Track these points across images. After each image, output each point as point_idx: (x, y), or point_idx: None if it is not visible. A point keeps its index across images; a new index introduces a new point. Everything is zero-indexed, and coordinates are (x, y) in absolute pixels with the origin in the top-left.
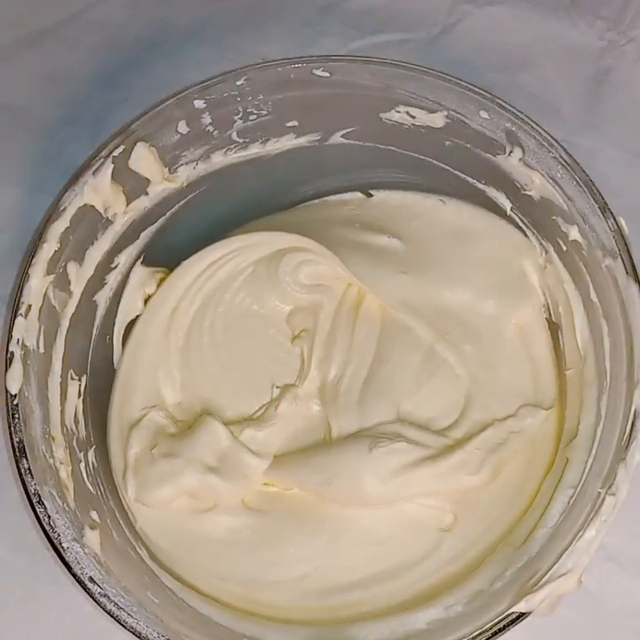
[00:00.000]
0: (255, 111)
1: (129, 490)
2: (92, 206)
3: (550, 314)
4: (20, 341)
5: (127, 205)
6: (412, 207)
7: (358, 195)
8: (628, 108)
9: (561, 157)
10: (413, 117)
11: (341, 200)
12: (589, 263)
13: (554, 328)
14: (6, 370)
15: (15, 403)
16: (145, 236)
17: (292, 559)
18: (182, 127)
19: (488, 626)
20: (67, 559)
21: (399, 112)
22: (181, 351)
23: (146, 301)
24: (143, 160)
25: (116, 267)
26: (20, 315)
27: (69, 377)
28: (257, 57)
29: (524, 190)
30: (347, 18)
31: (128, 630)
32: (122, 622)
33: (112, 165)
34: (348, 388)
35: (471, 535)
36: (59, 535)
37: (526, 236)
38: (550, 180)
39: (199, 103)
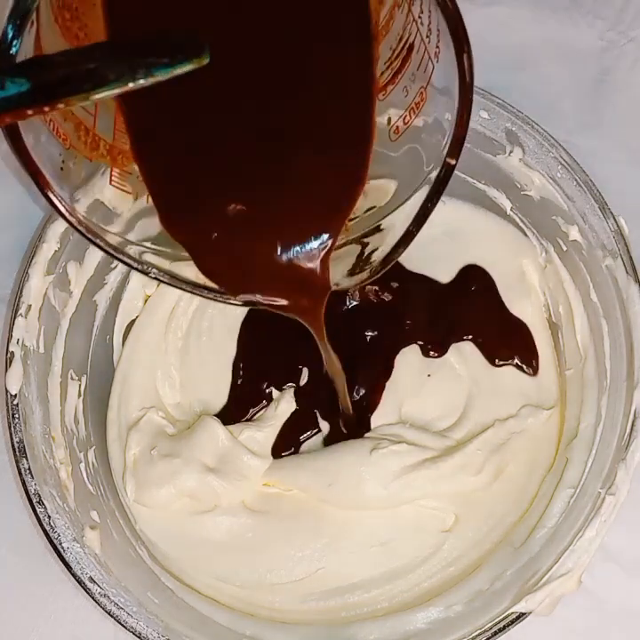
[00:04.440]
0: None
1: (128, 491)
2: None
3: (550, 314)
4: (20, 341)
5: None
6: None
7: None
8: (628, 108)
9: (561, 157)
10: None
11: None
12: (589, 263)
13: (554, 328)
14: (6, 370)
15: (15, 403)
16: None
17: (292, 561)
18: None
19: (488, 626)
20: (67, 559)
21: None
22: (180, 351)
23: (146, 302)
24: None
25: (116, 267)
26: (20, 315)
27: (69, 377)
28: None
29: (524, 190)
30: None
31: (128, 630)
32: (122, 622)
33: None
34: None
35: (473, 536)
36: (59, 535)
37: (526, 235)
38: (550, 180)
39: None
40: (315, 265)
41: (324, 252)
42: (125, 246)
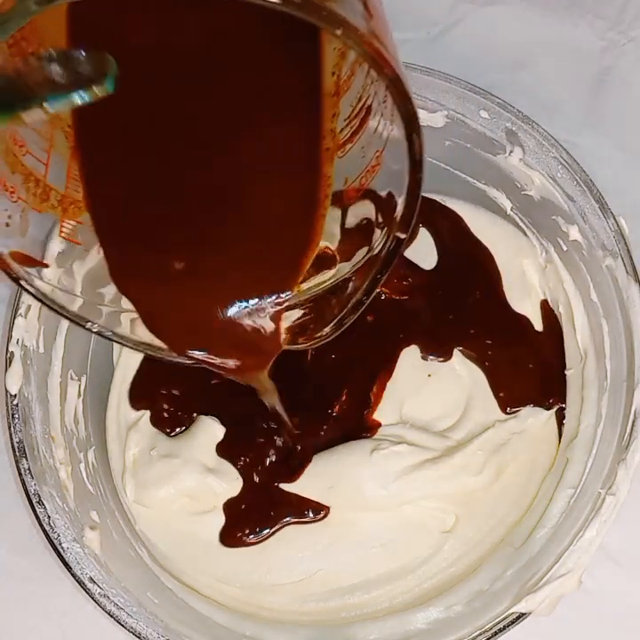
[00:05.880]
0: None
1: (128, 491)
2: None
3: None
4: (20, 341)
5: None
6: None
7: None
8: (628, 107)
9: (561, 157)
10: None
11: None
12: (589, 263)
13: None
14: (6, 370)
15: (15, 403)
16: None
17: (292, 562)
18: None
19: (488, 626)
20: (67, 559)
21: None
22: None
23: None
24: None
25: None
26: (20, 315)
27: (69, 377)
28: None
29: (524, 190)
30: None
31: (128, 630)
32: (122, 622)
33: None
34: None
35: (474, 537)
36: (58, 535)
37: (526, 235)
38: (550, 180)
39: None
40: (266, 326)
41: (276, 313)
42: (65, 297)
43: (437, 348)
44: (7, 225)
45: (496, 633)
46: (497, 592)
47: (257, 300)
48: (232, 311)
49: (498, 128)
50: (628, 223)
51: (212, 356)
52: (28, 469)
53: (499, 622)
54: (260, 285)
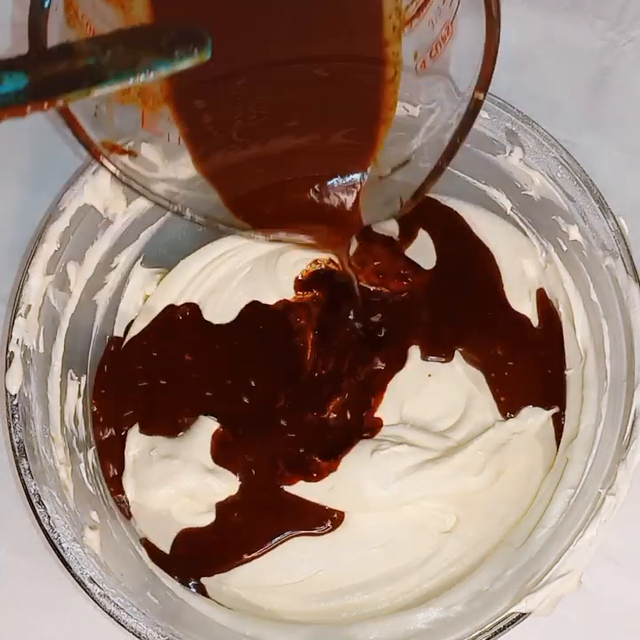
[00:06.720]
0: None
1: (128, 491)
2: (92, 206)
3: None
4: (20, 341)
5: (127, 205)
6: None
7: None
8: (628, 107)
9: (561, 157)
10: (414, 118)
11: None
12: (589, 263)
13: None
14: (6, 370)
15: (15, 403)
16: (145, 236)
17: (292, 562)
18: None
19: (488, 626)
20: (67, 559)
21: None
22: None
23: (145, 301)
24: None
25: (115, 267)
26: (20, 315)
27: (69, 377)
28: None
29: (524, 190)
30: None
31: (128, 630)
32: (122, 622)
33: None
34: None
35: (474, 537)
36: (58, 535)
37: (526, 235)
38: (550, 180)
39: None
40: (346, 200)
41: (355, 187)
42: (158, 187)
43: (437, 349)
44: (95, 115)
45: (496, 633)
46: (497, 592)
47: (337, 175)
48: (314, 189)
49: (498, 128)
50: (628, 223)
51: (296, 234)
52: (28, 469)
53: (499, 622)
54: (340, 162)
